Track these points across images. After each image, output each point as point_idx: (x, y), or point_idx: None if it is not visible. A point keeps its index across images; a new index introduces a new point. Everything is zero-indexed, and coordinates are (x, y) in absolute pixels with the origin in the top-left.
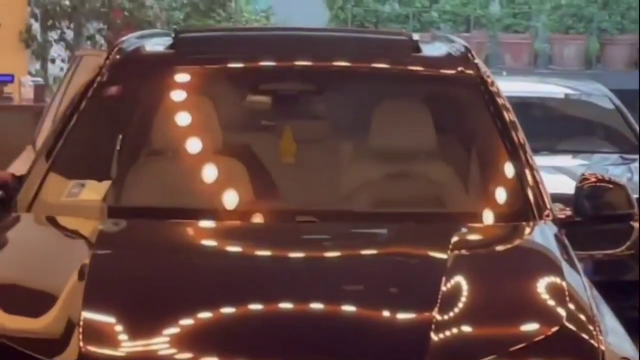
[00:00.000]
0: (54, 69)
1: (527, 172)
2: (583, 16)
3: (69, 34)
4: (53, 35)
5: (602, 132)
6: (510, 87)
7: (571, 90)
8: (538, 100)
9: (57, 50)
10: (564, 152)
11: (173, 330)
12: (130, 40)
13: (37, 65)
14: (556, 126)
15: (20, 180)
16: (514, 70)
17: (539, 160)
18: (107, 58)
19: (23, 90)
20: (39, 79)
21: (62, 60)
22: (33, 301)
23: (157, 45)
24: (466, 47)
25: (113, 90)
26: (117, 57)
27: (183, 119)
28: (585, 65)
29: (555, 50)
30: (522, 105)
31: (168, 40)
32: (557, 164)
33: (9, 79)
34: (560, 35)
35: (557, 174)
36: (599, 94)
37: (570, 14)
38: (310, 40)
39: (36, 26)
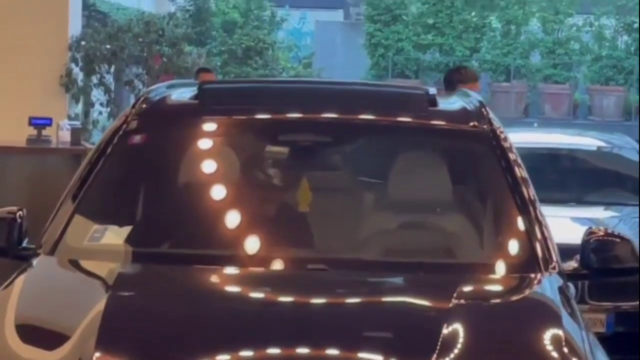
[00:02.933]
0: (93, 113)
1: (536, 226)
2: (623, 68)
3: (109, 79)
4: (93, 79)
5: (633, 185)
6: (542, 138)
7: (603, 143)
8: (570, 152)
9: (96, 95)
10: (596, 204)
11: None
12: (157, 90)
13: (77, 109)
14: (588, 178)
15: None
16: (553, 120)
17: (571, 212)
18: (134, 106)
19: (61, 134)
20: (77, 123)
21: (101, 105)
22: (50, 338)
23: (182, 95)
24: (481, 102)
25: (138, 137)
26: (143, 106)
27: (204, 167)
28: (624, 117)
29: (595, 101)
30: (554, 156)
31: (193, 91)
32: (589, 216)
33: (48, 122)
34: (600, 86)
35: (589, 226)
36: (629, 147)
37: (610, 66)
38: (328, 94)
39: (76, 70)
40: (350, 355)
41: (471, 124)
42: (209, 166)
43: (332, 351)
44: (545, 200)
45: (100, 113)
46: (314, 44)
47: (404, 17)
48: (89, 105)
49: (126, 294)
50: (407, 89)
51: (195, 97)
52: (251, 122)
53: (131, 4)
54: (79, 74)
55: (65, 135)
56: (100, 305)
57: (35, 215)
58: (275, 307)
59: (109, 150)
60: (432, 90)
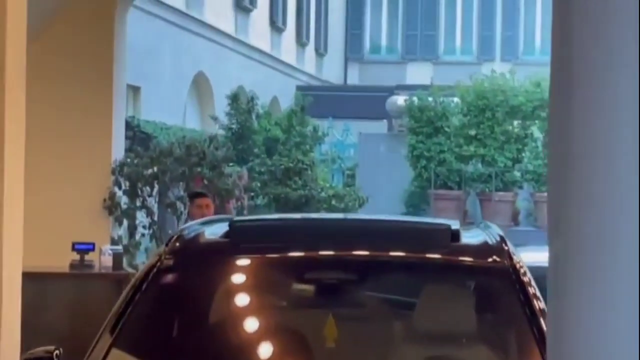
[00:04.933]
0: (136, 235)
1: None
2: None
3: (151, 201)
4: (136, 202)
5: None
6: None
7: None
8: None
9: (139, 217)
10: None
11: None
12: (190, 228)
13: (120, 231)
14: None
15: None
16: None
17: None
18: (167, 244)
19: (103, 259)
20: (119, 248)
21: (144, 227)
22: None
23: (213, 233)
24: (501, 237)
25: (171, 276)
26: (176, 244)
27: (234, 305)
28: None
29: None
30: None
31: (224, 228)
32: None
33: (90, 247)
34: None
35: None
36: None
37: None
38: (353, 232)
39: (119, 193)
40: None
41: (491, 259)
42: (239, 304)
43: None
44: None
45: (143, 235)
46: (357, 155)
47: (446, 129)
48: (132, 227)
49: None
50: (430, 225)
51: (226, 234)
52: (278, 261)
53: (176, 121)
54: (121, 197)
55: (108, 260)
56: None
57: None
58: None
59: (144, 287)
60: (455, 225)
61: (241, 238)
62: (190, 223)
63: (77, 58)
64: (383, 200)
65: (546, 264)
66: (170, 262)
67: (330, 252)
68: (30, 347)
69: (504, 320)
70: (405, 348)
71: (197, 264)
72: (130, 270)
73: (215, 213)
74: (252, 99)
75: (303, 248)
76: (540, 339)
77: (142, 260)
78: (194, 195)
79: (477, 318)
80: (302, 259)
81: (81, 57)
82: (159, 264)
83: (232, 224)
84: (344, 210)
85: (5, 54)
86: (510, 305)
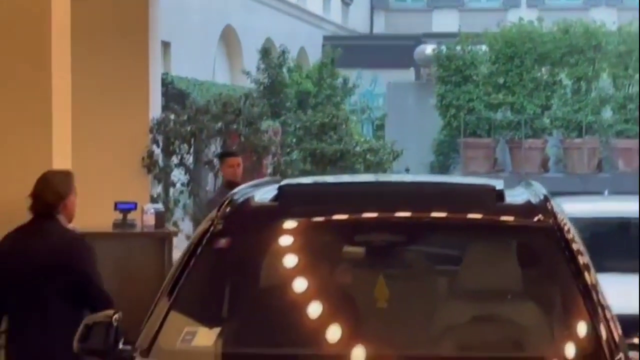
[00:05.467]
0: (174, 193)
1: (600, 313)
2: None
3: (188, 159)
4: (173, 160)
5: None
6: (610, 207)
7: None
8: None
9: (177, 175)
10: None
11: None
12: (241, 192)
13: (159, 189)
14: None
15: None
16: (626, 175)
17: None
18: (219, 210)
19: (145, 218)
20: (160, 206)
21: (182, 184)
22: None
23: (263, 197)
24: (545, 196)
25: (223, 240)
26: (227, 209)
27: (285, 268)
28: None
29: None
30: (621, 225)
31: (274, 192)
32: None
33: (132, 207)
34: None
35: None
36: None
37: None
38: (400, 193)
39: (157, 152)
40: None
41: (536, 218)
42: (289, 267)
43: None
44: (616, 269)
45: (182, 192)
46: (386, 105)
47: (475, 77)
48: (169, 185)
49: None
50: (476, 186)
51: (275, 198)
52: (328, 224)
53: (206, 76)
54: (159, 155)
55: (150, 219)
56: None
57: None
58: None
59: (198, 251)
60: (500, 185)
61: (290, 202)
62: (240, 187)
63: (113, 15)
64: (412, 150)
65: (579, 215)
66: (222, 226)
67: (379, 214)
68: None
69: (549, 278)
70: (454, 306)
71: (248, 229)
72: (172, 229)
73: (252, 170)
74: (283, 52)
75: (352, 211)
76: (585, 293)
77: (181, 217)
78: (224, 155)
79: (524, 276)
80: (351, 221)
81: (117, 14)
82: (211, 228)
83: (281, 187)
84: (378, 164)
85: (52, 12)
86: (555, 263)
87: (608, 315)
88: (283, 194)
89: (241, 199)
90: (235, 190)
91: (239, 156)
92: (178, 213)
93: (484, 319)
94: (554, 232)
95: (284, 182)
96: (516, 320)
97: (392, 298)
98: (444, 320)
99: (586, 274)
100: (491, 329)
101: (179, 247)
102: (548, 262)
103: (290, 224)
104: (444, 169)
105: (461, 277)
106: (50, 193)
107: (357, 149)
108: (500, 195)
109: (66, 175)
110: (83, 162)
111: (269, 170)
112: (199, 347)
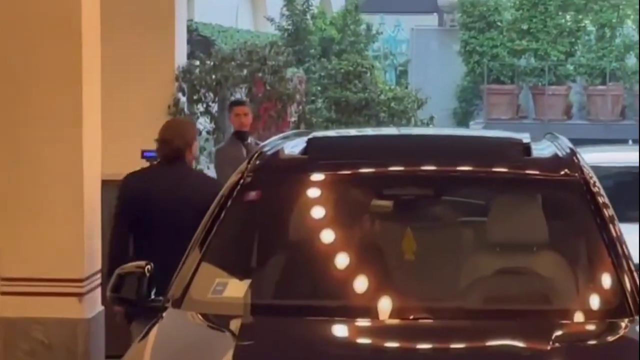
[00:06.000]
0: (199, 140)
1: (625, 266)
2: None
3: (214, 107)
4: (199, 107)
5: None
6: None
7: None
8: None
9: (202, 123)
10: None
11: None
12: (271, 144)
13: None
14: None
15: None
16: None
17: None
18: (249, 162)
19: None
20: None
21: (208, 132)
22: None
23: (293, 150)
24: (572, 150)
25: (253, 193)
26: (257, 162)
27: (314, 221)
28: None
29: None
30: None
31: (303, 144)
32: None
33: (154, 155)
34: None
35: None
36: None
37: None
38: (428, 147)
39: (183, 100)
40: None
41: (563, 172)
42: (318, 220)
43: None
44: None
45: (207, 140)
46: (409, 51)
47: (498, 24)
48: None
49: (251, 343)
50: (503, 140)
51: (305, 151)
52: (356, 177)
53: (229, 23)
54: (185, 103)
55: None
56: (228, 357)
57: None
58: (385, 354)
59: (228, 203)
60: (527, 139)
61: (319, 154)
62: (271, 139)
63: None
64: (436, 97)
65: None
66: (252, 179)
67: (408, 168)
68: (106, 252)
69: (576, 231)
70: (481, 259)
71: (277, 181)
72: None
73: (277, 118)
74: None
75: (380, 164)
76: (610, 244)
77: (206, 164)
78: (232, 104)
79: (550, 229)
80: (380, 175)
81: None
82: (241, 181)
83: (310, 140)
84: (402, 112)
85: None
86: (581, 216)
87: (633, 268)
88: (312, 146)
89: (270, 152)
90: (265, 142)
91: (247, 105)
92: (203, 160)
93: (511, 271)
94: (580, 185)
95: (313, 134)
96: (542, 273)
97: (419, 251)
98: (470, 272)
99: (611, 227)
100: (517, 281)
101: None
102: (574, 216)
103: (319, 176)
104: (467, 115)
105: (488, 230)
106: (179, 139)
107: (382, 97)
108: (527, 148)
109: (191, 124)
110: (110, 110)
111: (294, 119)
112: (230, 297)
